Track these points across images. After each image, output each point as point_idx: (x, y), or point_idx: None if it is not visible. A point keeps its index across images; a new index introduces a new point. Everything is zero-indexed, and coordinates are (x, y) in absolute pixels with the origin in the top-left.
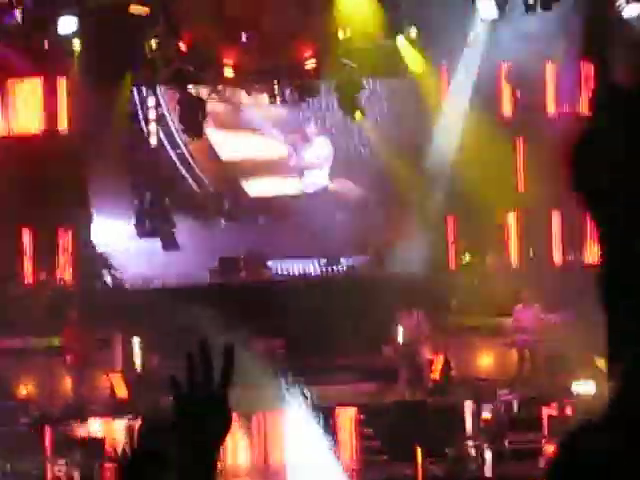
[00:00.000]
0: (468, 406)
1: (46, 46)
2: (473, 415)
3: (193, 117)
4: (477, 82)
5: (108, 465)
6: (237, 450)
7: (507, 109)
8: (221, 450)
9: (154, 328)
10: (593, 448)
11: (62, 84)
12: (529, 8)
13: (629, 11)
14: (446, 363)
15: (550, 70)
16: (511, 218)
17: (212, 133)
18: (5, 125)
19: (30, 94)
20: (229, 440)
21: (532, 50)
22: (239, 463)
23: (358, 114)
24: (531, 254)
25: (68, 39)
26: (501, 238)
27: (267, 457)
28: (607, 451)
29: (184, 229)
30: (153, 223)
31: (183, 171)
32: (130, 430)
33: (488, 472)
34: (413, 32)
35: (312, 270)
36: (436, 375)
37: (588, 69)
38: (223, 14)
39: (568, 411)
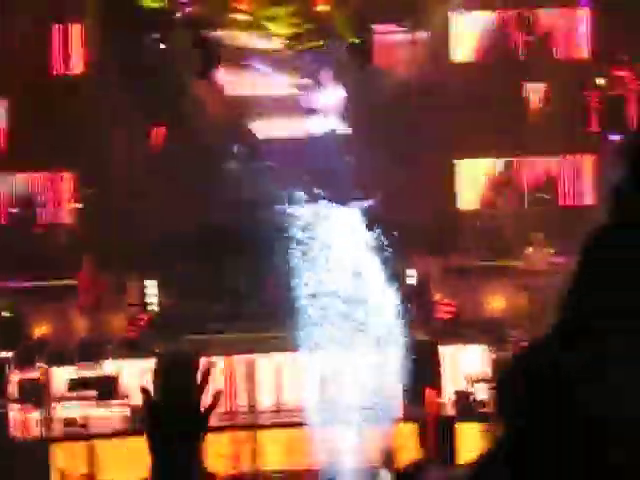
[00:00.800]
0: (477, 347)
1: None
2: (484, 355)
3: (207, 60)
4: None
5: (122, 403)
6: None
7: None
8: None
9: (170, 269)
10: (539, 359)
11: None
12: None
13: None
14: (454, 305)
15: None
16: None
17: (223, 78)
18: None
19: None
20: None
21: None
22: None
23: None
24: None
25: None
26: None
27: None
28: (550, 363)
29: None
30: None
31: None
32: (152, 370)
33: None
34: None
35: (320, 213)
36: (446, 315)
37: None
38: None
39: None
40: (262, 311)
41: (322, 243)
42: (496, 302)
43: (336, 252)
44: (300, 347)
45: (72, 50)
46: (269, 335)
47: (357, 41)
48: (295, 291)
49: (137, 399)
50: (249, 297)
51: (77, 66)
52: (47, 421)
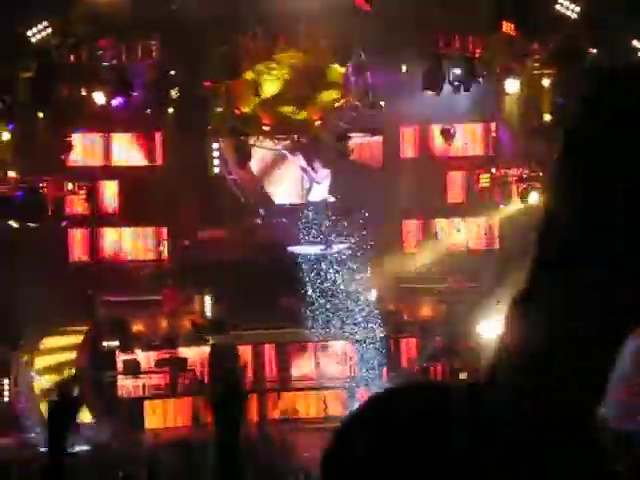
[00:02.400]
0: (414, 340)
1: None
2: (418, 345)
3: (242, 156)
4: None
5: (188, 375)
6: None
7: None
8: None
9: (221, 288)
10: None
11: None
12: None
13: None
14: (401, 312)
15: None
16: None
17: (254, 165)
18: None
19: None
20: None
21: None
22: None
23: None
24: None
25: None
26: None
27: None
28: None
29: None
30: None
31: (235, 189)
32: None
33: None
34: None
35: (316, 252)
36: (395, 319)
37: None
38: (261, 94)
39: (474, 345)
40: (278, 316)
41: (319, 270)
42: (426, 311)
43: (326, 276)
44: (306, 338)
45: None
46: (284, 332)
47: (340, 144)
48: (302, 302)
49: (198, 372)
50: (272, 307)
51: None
52: (142, 387)
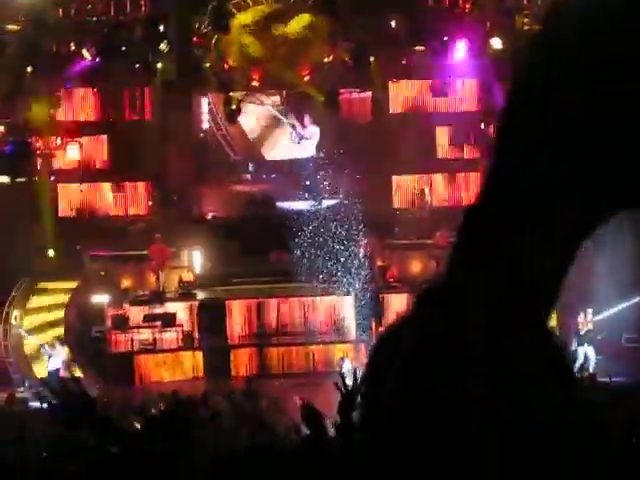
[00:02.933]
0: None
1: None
2: (408, 300)
3: (231, 111)
4: None
5: (178, 330)
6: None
7: None
8: None
9: (209, 243)
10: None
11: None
12: None
13: None
14: (391, 268)
15: None
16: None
17: (243, 121)
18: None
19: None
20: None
21: None
22: None
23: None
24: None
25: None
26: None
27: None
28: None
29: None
30: None
31: (224, 145)
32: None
33: None
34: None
35: (305, 207)
36: (385, 275)
37: None
38: (251, 48)
39: None
40: (267, 271)
41: (309, 226)
42: (415, 267)
43: (315, 231)
44: (295, 293)
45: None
46: (273, 286)
47: (329, 99)
48: (292, 257)
49: (187, 327)
50: (261, 261)
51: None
52: (130, 341)
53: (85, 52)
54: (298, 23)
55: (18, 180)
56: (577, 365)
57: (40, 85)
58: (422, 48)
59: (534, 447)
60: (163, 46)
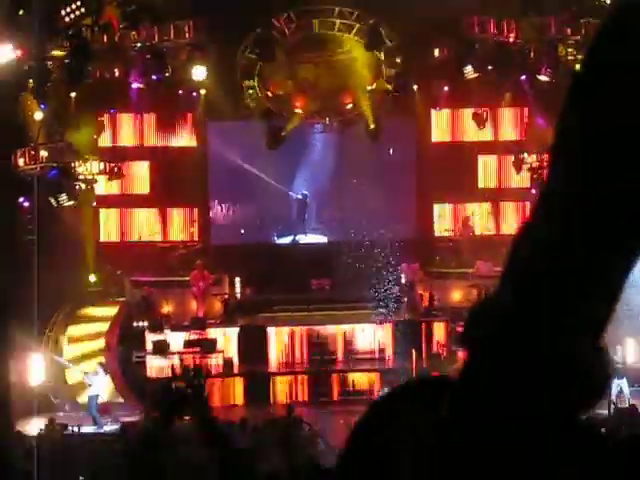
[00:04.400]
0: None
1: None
2: (449, 329)
3: (274, 139)
4: None
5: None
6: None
7: None
8: None
9: (248, 271)
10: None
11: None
12: None
13: None
14: (432, 297)
15: None
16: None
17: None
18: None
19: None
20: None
21: None
22: None
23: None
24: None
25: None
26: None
27: None
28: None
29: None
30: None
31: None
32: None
33: (456, 366)
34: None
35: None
36: (426, 304)
37: None
38: (295, 75)
39: None
40: (307, 297)
41: (350, 252)
42: (456, 295)
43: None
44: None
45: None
46: (314, 314)
47: (372, 126)
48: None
49: (227, 353)
50: (302, 289)
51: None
52: (170, 367)
53: (131, 78)
54: (343, 51)
55: (61, 205)
56: (612, 399)
57: (84, 111)
58: (467, 77)
59: None
60: (206, 73)
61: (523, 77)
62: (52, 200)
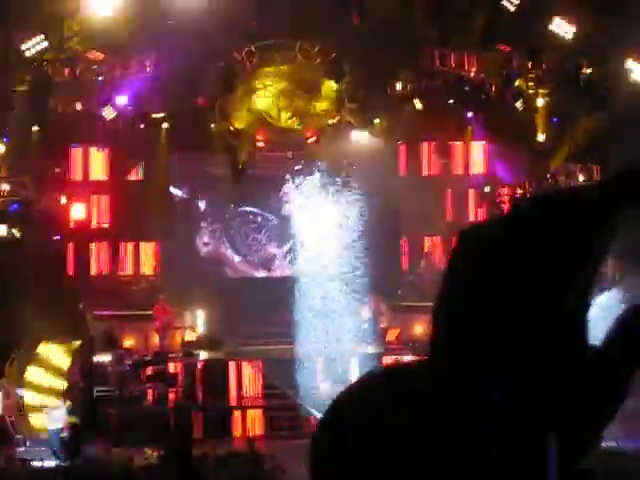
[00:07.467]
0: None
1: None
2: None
3: (236, 173)
4: None
5: (180, 389)
6: None
7: None
8: None
9: (210, 305)
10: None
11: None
12: None
13: None
14: (396, 330)
15: None
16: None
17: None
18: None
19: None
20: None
21: None
22: None
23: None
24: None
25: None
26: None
27: None
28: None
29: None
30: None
31: None
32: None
33: None
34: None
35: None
36: (390, 337)
37: None
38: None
39: None
40: (269, 331)
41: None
42: (418, 329)
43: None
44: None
45: None
46: (276, 348)
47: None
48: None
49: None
50: (264, 323)
51: None
52: (129, 399)
53: (90, 110)
54: (304, 84)
55: (20, 239)
56: None
57: (46, 144)
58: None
59: None
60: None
61: (480, 112)
62: (15, 232)
